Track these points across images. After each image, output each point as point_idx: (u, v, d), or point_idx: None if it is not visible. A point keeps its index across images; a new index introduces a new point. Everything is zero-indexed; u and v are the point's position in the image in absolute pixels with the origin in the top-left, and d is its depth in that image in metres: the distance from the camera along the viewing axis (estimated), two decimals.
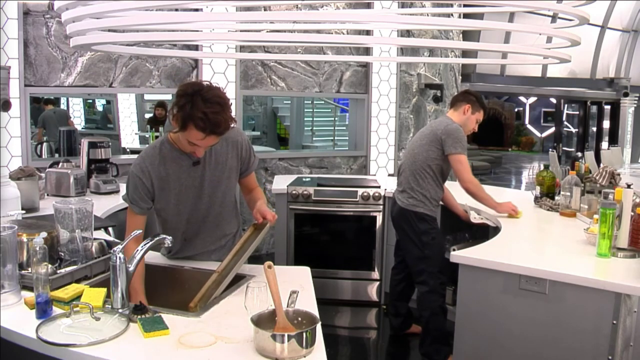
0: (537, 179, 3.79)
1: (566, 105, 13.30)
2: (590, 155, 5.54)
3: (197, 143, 1.99)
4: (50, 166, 3.72)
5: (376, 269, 4.37)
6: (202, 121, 1.90)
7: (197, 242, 2.31)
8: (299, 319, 1.61)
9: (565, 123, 13.44)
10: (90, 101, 10.05)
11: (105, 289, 1.82)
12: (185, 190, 2.17)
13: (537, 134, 20.95)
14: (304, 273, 2.19)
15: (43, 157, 6.38)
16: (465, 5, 3.62)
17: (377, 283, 4.39)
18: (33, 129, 6.23)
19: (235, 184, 2.37)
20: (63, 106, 9.14)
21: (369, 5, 5.71)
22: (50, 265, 1.79)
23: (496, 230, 3.14)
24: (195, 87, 1.95)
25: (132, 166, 2.14)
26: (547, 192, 3.70)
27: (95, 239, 2.20)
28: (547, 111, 20.36)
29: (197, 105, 1.90)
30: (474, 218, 3.56)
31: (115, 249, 1.79)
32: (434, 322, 3.38)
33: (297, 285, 1.84)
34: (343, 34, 5.33)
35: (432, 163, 3.36)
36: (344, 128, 9.71)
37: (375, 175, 6.17)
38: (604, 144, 10.93)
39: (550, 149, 5.64)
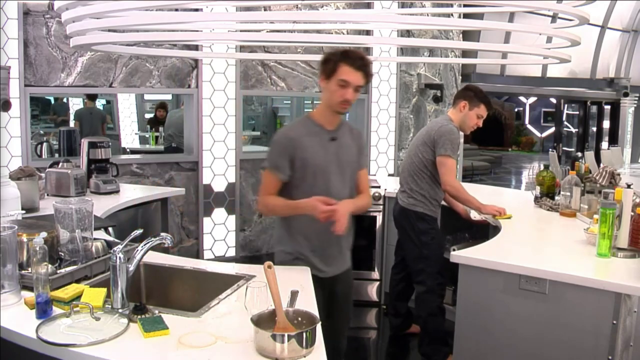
0: (537, 179, 3.79)
1: (566, 105, 13.29)
2: (590, 155, 5.54)
3: (347, 79, 2.17)
4: (50, 166, 3.71)
5: (376, 269, 4.37)
6: (352, 59, 2.18)
7: (329, 222, 2.19)
8: (299, 319, 1.61)
9: (565, 123, 13.44)
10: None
11: (105, 289, 1.82)
12: (322, 164, 2.28)
13: (537, 134, 20.95)
14: (304, 273, 2.19)
15: (43, 157, 6.38)
16: (465, 5, 3.62)
17: (377, 283, 4.39)
18: (32, 126, 6.22)
19: (355, 175, 2.43)
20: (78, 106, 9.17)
21: (369, 5, 5.71)
22: (50, 265, 1.79)
23: (496, 230, 3.14)
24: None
25: (277, 135, 2.34)
26: (547, 192, 3.70)
27: (95, 239, 2.19)
28: (547, 111, 20.36)
29: (345, 51, 2.22)
30: (474, 216, 3.56)
31: (115, 249, 1.79)
32: (432, 323, 3.38)
33: (297, 285, 1.84)
34: (343, 34, 5.33)
35: (428, 164, 3.36)
36: None
37: (375, 175, 6.16)
38: (604, 144, 10.92)
39: (550, 149, 5.64)
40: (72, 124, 8.18)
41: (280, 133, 2.36)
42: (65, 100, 9.33)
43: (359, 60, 2.19)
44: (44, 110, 9.41)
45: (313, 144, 2.27)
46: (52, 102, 9.36)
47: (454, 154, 3.30)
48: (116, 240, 2.45)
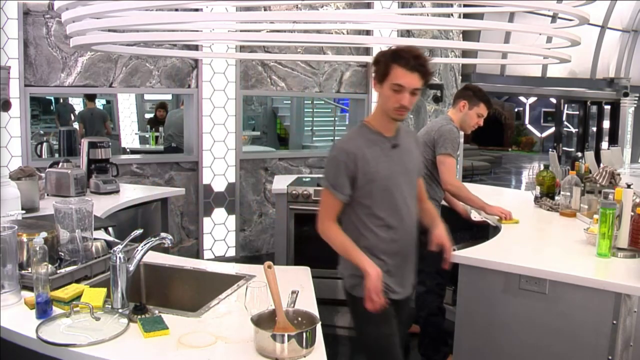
0: (537, 179, 3.79)
1: (566, 105, 13.29)
2: (590, 155, 5.53)
3: (401, 82, 1.95)
4: (50, 166, 3.71)
5: None
6: (405, 59, 1.94)
7: (403, 240, 2.12)
8: (299, 319, 1.61)
9: (565, 123, 13.43)
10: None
11: (105, 289, 1.82)
12: (390, 175, 2.08)
13: (537, 134, 20.94)
14: (304, 273, 2.19)
15: (43, 157, 6.38)
16: (465, 5, 3.62)
17: None
18: (32, 126, 6.24)
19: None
20: (70, 106, 9.17)
21: (369, 5, 5.71)
22: (50, 265, 1.79)
23: (496, 230, 3.14)
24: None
25: (332, 150, 2.12)
26: (547, 192, 3.69)
27: (95, 239, 2.19)
28: (547, 111, 20.35)
29: (397, 50, 2.00)
30: (475, 217, 3.56)
31: (115, 249, 1.79)
32: (431, 323, 3.38)
33: (297, 285, 1.84)
34: (343, 34, 5.33)
35: (428, 164, 3.36)
36: (344, 128, 9.72)
37: None
38: (604, 144, 10.91)
39: (550, 149, 5.63)
40: (75, 125, 8.20)
41: (337, 148, 2.11)
42: (67, 100, 9.33)
43: (412, 59, 1.95)
44: (45, 111, 9.42)
45: (376, 154, 2.05)
46: (54, 103, 9.35)
47: (454, 153, 3.30)
48: (116, 240, 2.45)
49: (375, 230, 2.09)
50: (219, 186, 5.47)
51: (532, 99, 20.53)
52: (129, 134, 9.47)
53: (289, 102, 10.24)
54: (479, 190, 3.76)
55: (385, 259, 2.10)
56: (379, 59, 2.02)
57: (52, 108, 9.56)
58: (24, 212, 2.71)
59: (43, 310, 1.69)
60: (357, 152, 2.03)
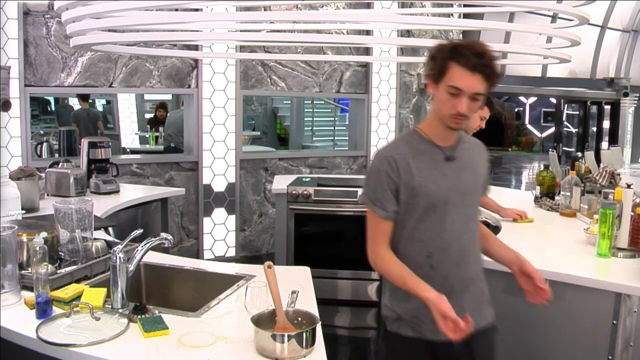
0: (537, 179, 3.79)
1: (566, 105, 13.29)
2: (590, 155, 5.54)
3: (459, 85, 1.61)
4: (50, 166, 3.71)
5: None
6: (466, 57, 1.59)
7: (445, 269, 1.73)
8: (299, 319, 1.61)
9: (565, 123, 13.43)
10: (90, 101, 10.05)
11: (105, 289, 1.82)
12: (437, 192, 1.72)
13: (537, 134, 20.95)
14: (304, 273, 2.19)
15: (43, 157, 6.38)
16: (465, 5, 3.62)
17: (377, 283, 4.38)
18: (32, 126, 6.23)
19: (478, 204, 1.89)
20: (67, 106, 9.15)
21: (369, 5, 5.71)
22: (50, 265, 1.79)
23: (496, 230, 3.13)
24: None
25: (375, 158, 1.78)
26: (547, 192, 3.69)
27: (95, 239, 2.19)
28: (547, 111, 20.35)
29: (457, 45, 1.64)
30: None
31: (115, 249, 1.79)
32: None
33: (297, 285, 1.84)
34: (343, 34, 5.33)
35: None
36: (344, 128, 9.72)
37: None
38: (604, 144, 10.91)
39: (550, 149, 5.64)
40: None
41: (378, 154, 1.77)
42: (67, 101, 9.33)
43: (474, 57, 1.60)
44: (43, 111, 9.41)
45: (422, 165, 1.72)
46: (53, 104, 9.34)
47: None
48: (116, 240, 2.45)
49: (412, 254, 1.74)
50: (219, 186, 5.47)
51: (532, 99, 20.54)
52: (129, 134, 9.46)
53: (289, 102, 10.24)
54: None
55: (437, 288, 1.68)
56: (435, 55, 1.68)
57: (49, 108, 9.54)
58: (24, 212, 2.71)
59: (43, 310, 1.68)
60: (400, 160, 1.71)
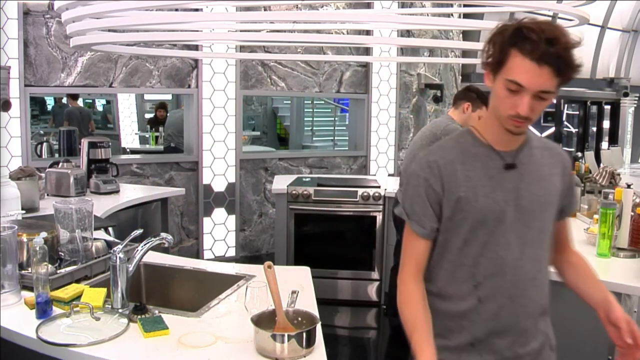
0: None
1: (566, 105, 13.29)
2: (590, 155, 5.54)
3: (520, 81, 1.26)
4: (50, 166, 3.71)
5: (376, 269, 4.37)
6: (531, 42, 1.25)
7: (496, 303, 1.42)
8: (299, 319, 1.61)
9: (565, 123, 13.42)
10: (90, 101, 10.05)
11: (105, 289, 1.82)
12: (491, 208, 1.39)
13: (537, 133, 20.93)
14: (304, 273, 2.19)
15: (43, 157, 6.38)
16: (465, 5, 3.62)
17: (377, 283, 4.39)
18: (32, 127, 6.22)
19: (552, 222, 1.49)
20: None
21: (369, 5, 5.71)
22: (50, 265, 1.79)
23: None
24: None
25: (415, 162, 1.46)
26: None
27: (95, 239, 2.20)
28: (547, 111, 20.30)
29: (521, 27, 1.29)
30: None
31: (115, 249, 1.79)
32: None
33: (297, 285, 1.84)
34: (343, 34, 5.33)
35: None
36: (344, 128, 9.72)
37: (375, 175, 6.17)
38: (604, 144, 10.92)
39: None
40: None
41: (419, 158, 1.46)
42: (62, 100, 9.32)
43: (543, 44, 1.24)
44: (42, 111, 9.40)
45: (473, 174, 1.40)
46: (52, 104, 9.30)
47: None
48: (116, 240, 2.45)
49: (457, 283, 1.44)
50: (219, 186, 5.47)
51: None
52: (129, 134, 9.46)
53: (289, 102, 10.24)
54: None
55: (467, 325, 1.43)
56: (494, 39, 1.33)
57: (46, 108, 9.51)
58: (24, 212, 2.71)
59: (43, 310, 1.68)
60: (446, 166, 1.40)
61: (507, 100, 1.31)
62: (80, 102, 8.21)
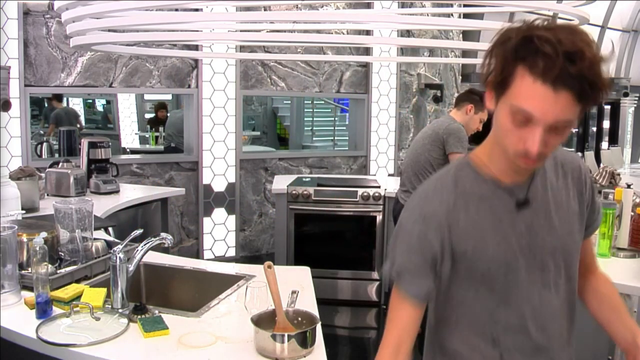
0: None
1: None
2: (590, 155, 5.55)
3: (529, 110, 0.96)
4: (50, 166, 3.71)
5: (376, 269, 4.37)
6: (546, 57, 0.93)
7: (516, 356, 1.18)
8: (299, 319, 1.61)
9: None
10: (90, 101, 10.05)
11: (105, 289, 1.82)
12: (503, 257, 1.14)
13: None
14: (304, 273, 2.19)
15: (43, 157, 6.38)
16: (465, 5, 3.62)
17: (377, 283, 4.39)
18: (32, 127, 6.22)
19: (579, 250, 1.23)
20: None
21: (369, 5, 5.71)
22: (50, 265, 1.79)
23: None
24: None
25: (406, 211, 1.20)
26: None
27: (95, 239, 2.20)
28: None
29: (532, 36, 0.96)
30: None
31: (115, 249, 1.79)
32: None
33: (297, 285, 1.84)
34: (343, 34, 5.33)
35: (435, 163, 3.36)
36: (344, 128, 9.72)
37: (375, 175, 6.17)
38: (604, 144, 10.92)
39: None
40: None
41: (412, 207, 1.20)
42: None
43: (562, 59, 0.92)
44: (42, 112, 9.39)
45: (480, 217, 1.14)
46: (45, 105, 9.24)
47: (464, 151, 3.31)
48: (116, 240, 2.45)
49: (472, 342, 1.19)
50: (219, 186, 5.47)
51: None
52: (129, 134, 9.46)
53: (289, 102, 10.24)
54: None
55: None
56: (494, 51, 1.02)
57: (44, 109, 9.49)
58: (24, 212, 2.71)
59: (43, 310, 1.68)
60: (446, 216, 1.14)
61: (514, 133, 1.01)
62: (64, 103, 8.19)
